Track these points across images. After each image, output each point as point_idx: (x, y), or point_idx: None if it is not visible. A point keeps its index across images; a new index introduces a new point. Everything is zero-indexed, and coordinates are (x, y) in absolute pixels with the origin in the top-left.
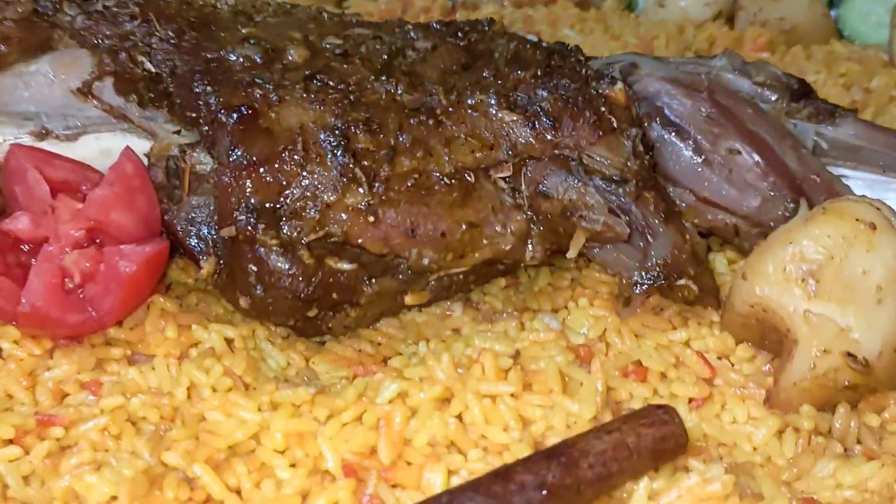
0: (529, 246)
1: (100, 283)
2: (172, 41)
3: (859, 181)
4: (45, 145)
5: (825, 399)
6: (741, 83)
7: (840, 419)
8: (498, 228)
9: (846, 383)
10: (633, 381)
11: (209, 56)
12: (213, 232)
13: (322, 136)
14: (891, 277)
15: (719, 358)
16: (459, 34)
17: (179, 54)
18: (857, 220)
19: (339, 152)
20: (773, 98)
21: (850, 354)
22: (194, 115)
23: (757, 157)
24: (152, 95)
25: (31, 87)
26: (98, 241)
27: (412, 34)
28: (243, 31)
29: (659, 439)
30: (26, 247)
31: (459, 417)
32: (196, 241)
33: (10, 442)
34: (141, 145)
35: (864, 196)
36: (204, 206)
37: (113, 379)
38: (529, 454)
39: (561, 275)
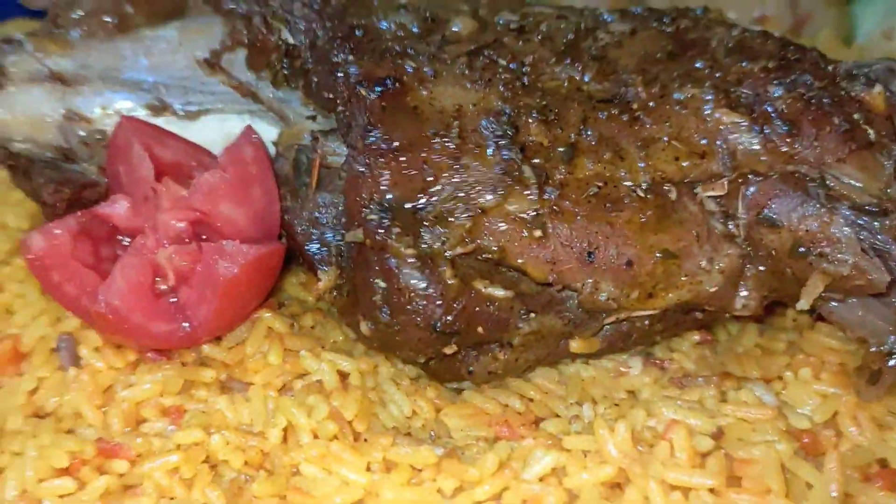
0: (742, 291)
1: (195, 286)
2: (316, 7)
3: None
4: (160, 121)
5: None
6: None
7: None
8: (702, 263)
9: None
10: (879, 489)
11: (355, 23)
12: (338, 238)
13: (484, 123)
14: None
15: None
16: (665, 19)
17: (322, 22)
18: None
19: (505, 144)
20: None
21: None
22: (332, 95)
23: None
24: (287, 72)
25: (152, 55)
26: (202, 237)
27: (605, 16)
28: None
29: None
30: (127, 240)
31: None
32: (317, 246)
33: (66, 471)
34: (268, 131)
35: None
36: (331, 205)
37: (198, 407)
38: None
39: (774, 335)
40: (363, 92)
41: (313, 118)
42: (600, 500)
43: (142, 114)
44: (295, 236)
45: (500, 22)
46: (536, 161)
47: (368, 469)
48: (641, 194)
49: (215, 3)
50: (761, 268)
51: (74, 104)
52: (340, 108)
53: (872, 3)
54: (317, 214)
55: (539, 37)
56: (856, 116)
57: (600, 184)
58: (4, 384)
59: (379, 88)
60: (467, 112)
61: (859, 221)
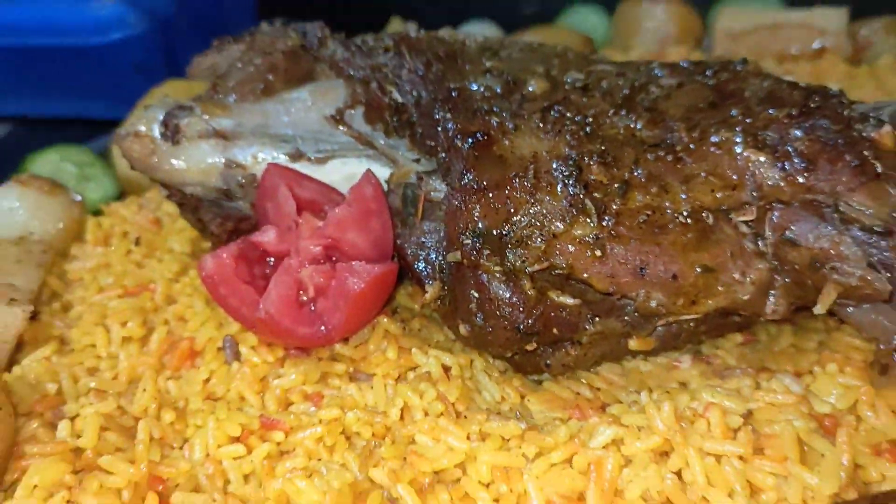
0: (771, 298)
1: (330, 298)
2: (420, 73)
3: None
4: (298, 166)
5: None
6: None
7: None
8: (736, 276)
9: None
10: (888, 462)
11: (451, 86)
12: (440, 258)
13: (554, 166)
14: None
15: None
16: (708, 72)
17: (425, 85)
18: None
19: (571, 182)
20: None
21: None
22: (433, 143)
23: None
24: (397, 124)
25: (290, 113)
26: (333, 258)
27: (657, 71)
28: (487, 63)
29: None
30: (272, 260)
31: (678, 474)
32: (424, 265)
33: (237, 440)
34: (381, 172)
35: None
36: (434, 231)
37: (333, 393)
38: None
39: (807, 336)
40: (459, 143)
41: (417, 161)
42: (649, 463)
43: (283, 160)
44: (406, 257)
45: (568, 80)
46: (597, 195)
47: (468, 438)
48: (683, 220)
49: (338, 70)
50: (787, 279)
51: (233, 155)
52: (441, 154)
53: None
54: (423, 240)
55: (600, 93)
56: (866, 154)
57: (649, 212)
58: (184, 375)
59: (471, 140)
60: (541, 158)
61: (868, 241)
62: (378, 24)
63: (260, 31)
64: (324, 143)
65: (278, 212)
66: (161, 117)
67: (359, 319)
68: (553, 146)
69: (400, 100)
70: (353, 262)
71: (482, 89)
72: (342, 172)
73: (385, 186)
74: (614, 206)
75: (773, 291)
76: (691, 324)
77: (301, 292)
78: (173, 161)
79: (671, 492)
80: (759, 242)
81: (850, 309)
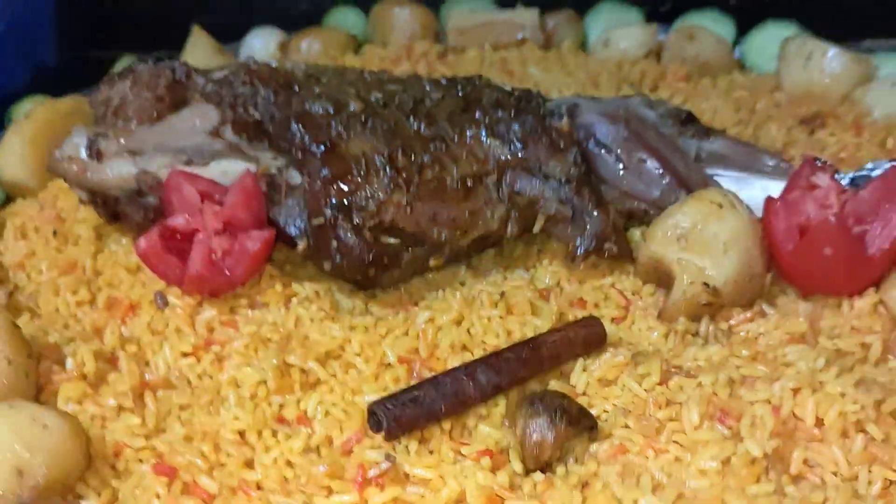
0: (509, 226)
1: (234, 256)
2: (271, 100)
3: (726, 178)
4: (190, 169)
5: (693, 313)
6: (649, 114)
7: (703, 325)
8: (488, 215)
9: (704, 302)
10: (577, 308)
11: (297, 110)
12: (303, 223)
13: (376, 159)
14: (732, 237)
15: (633, 294)
16: (459, 87)
17: (276, 107)
18: (710, 201)
19: (388, 169)
20: (669, 124)
21: (705, 284)
22: (286, 145)
23: (657, 164)
24: (257, 134)
25: (180, 132)
26: (228, 231)
27: (427, 87)
28: (316, 89)
29: (589, 336)
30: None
31: (468, 331)
32: (293, 229)
33: (188, 354)
34: (249, 168)
35: (723, 188)
36: (296, 206)
37: (244, 318)
38: (511, 345)
39: (531, 245)
40: (314, 150)
41: (274, 158)
42: (453, 326)
43: (180, 166)
44: (278, 225)
45: (373, 99)
46: (404, 175)
47: (342, 330)
48: (457, 185)
49: (208, 98)
50: (517, 214)
51: (142, 165)
52: (297, 154)
53: (596, 17)
54: (289, 212)
55: (395, 106)
56: (554, 136)
57: (436, 182)
58: (132, 321)
59: (322, 147)
60: (367, 154)
61: (559, 188)
62: (175, 38)
63: (138, 70)
64: (206, 151)
65: (184, 202)
66: (84, 143)
67: (254, 269)
68: (373, 146)
69: (258, 117)
70: (251, 231)
71: (320, 109)
72: (219, 170)
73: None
74: (415, 181)
75: (510, 222)
76: (464, 247)
77: (213, 255)
78: (100, 175)
79: (465, 340)
80: (499, 193)
81: (553, 228)
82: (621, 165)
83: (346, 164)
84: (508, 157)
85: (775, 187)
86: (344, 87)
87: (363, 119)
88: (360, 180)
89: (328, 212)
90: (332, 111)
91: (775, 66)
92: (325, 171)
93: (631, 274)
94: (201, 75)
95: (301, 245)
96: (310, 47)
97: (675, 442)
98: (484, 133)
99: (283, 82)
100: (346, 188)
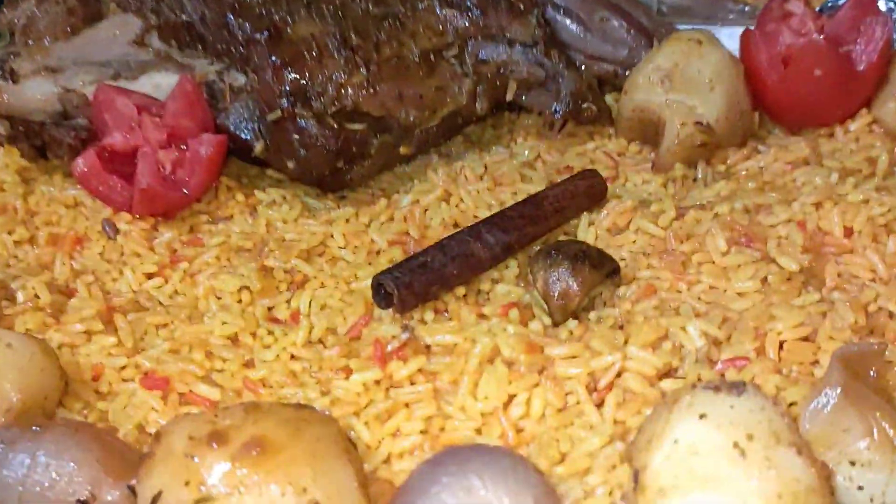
0: (479, 101)
1: (186, 167)
2: None
3: (690, 29)
4: (119, 84)
5: (688, 157)
6: None
7: (700, 169)
8: (455, 90)
9: (699, 143)
10: (566, 175)
11: (231, 2)
12: (258, 123)
13: (328, 41)
14: (715, 72)
15: (619, 154)
16: None
17: (205, 4)
18: (689, 39)
19: (342, 49)
20: None
21: (698, 122)
22: (224, 46)
23: (621, 21)
24: (188, 39)
25: (101, 44)
26: (172, 144)
27: None
28: None
29: (590, 187)
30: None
31: (457, 207)
32: (246, 132)
33: (153, 275)
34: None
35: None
36: (245, 108)
37: (208, 233)
38: (513, 204)
39: (500, 127)
40: (258, 38)
41: (211, 63)
42: (440, 202)
43: (107, 81)
44: (229, 131)
45: None
46: (361, 54)
47: (322, 224)
48: (418, 61)
49: (126, 6)
50: (485, 86)
51: (64, 83)
52: (240, 49)
53: None
54: (238, 117)
55: None
56: (512, 1)
57: (396, 59)
58: (80, 254)
59: (266, 33)
60: (317, 36)
61: (525, 51)
62: None
63: None
64: (134, 63)
65: (119, 119)
66: None
67: (210, 180)
68: (322, 28)
69: (186, 19)
70: (203, 135)
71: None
72: (152, 83)
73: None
74: (374, 59)
75: (479, 96)
76: (434, 129)
77: (161, 168)
78: (19, 97)
79: (457, 216)
80: (464, 66)
81: (524, 97)
82: (583, 28)
83: (295, 48)
84: (468, 25)
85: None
86: None
87: (306, 3)
88: (313, 64)
89: (283, 102)
90: None
91: None
92: (273, 59)
93: (612, 136)
94: None
95: (258, 147)
96: None
97: (705, 272)
98: (437, 4)
99: None
100: (299, 74)
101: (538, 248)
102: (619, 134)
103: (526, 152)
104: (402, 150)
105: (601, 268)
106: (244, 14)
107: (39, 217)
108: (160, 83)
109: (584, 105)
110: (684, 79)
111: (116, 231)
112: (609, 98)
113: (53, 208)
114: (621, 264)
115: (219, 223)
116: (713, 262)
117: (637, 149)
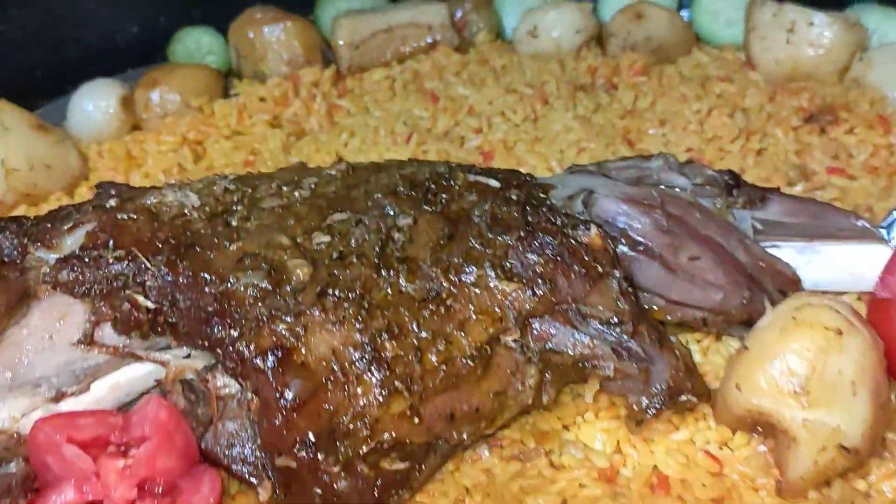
0: (546, 393)
1: None
2: (168, 278)
3: (790, 248)
4: (63, 406)
5: (825, 481)
6: (680, 181)
7: (836, 491)
8: (519, 387)
9: (841, 469)
10: (659, 495)
11: (213, 291)
12: (259, 454)
13: (355, 356)
14: (858, 370)
15: (720, 448)
16: (430, 196)
17: (178, 289)
18: (826, 328)
19: (374, 367)
20: (711, 193)
21: (842, 447)
22: (206, 341)
23: (713, 259)
24: (155, 327)
25: (31, 353)
26: (146, 487)
27: (388, 209)
28: (231, 247)
29: None
30: None
31: None
32: (242, 466)
33: None
34: (152, 376)
35: (820, 297)
36: (241, 429)
37: None
38: None
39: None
40: (260, 364)
41: (188, 356)
42: None
43: (46, 407)
44: (220, 461)
45: (319, 247)
46: (399, 370)
47: None
48: (471, 362)
49: (67, 289)
50: (554, 375)
51: None
52: (235, 366)
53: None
54: (232, 441)
55: (356, 257)
56: (586, 259)
57: (444, 367)
58: None
59: (272, 359)
60: (340, 353)
61: (606, 330)
62: None
63: None
64: (80, 371)
65: (66, 467)
66: None
67: None
68: (345, 336)
69: (151, 305)
70: (193, 474)
71: (249, 290)
72: (109, 385)
73: (161, 389)
74: (416, 373)
75: (546, 386)
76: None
77: None
78: None
79: None
80: (526, 350)
81: (608, 386)
82: (667, 269)
83: (312, 377)
84: (531, 304)
85: (854, 255)
86: (272, 236)
87: (318, 292)
88: (340, 395)
89: (303, 453)
90: (267, 286)
91: (734, 32)
92: (285, 398)
93: (709, 418)
94: (44, 248)
95: (263, 492)
96: (163, 100)
97: None
98: (493, 275)
99: (173, 236)
100: (321, 413)
101: None
102: (720, 420)
103: (598, 443)
104: (451, 466)
105: None
106: (234, 319)
107: None
108: (119, 381)
109: (682, 398)
110: (823, 386)
111: None
112: (693, 346)
113: None
114: None
115: None
116: None
117: (744, 440)
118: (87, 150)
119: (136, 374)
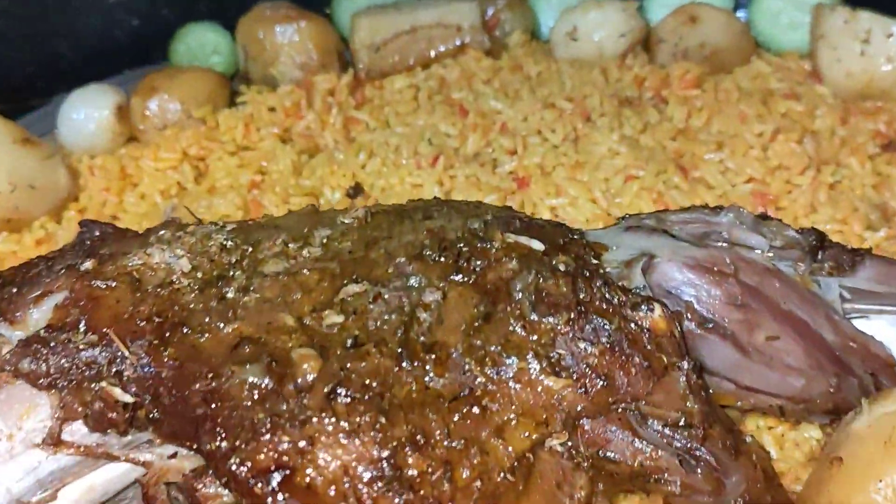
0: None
1: None
2: (150, 370)
3: (884, 320)
4: None
5: None
6: (756, 240)
7: None
8: (566, 502)
9: None
10: None
11: (203, 388)
12: None
13: (372, 475)
14: None
15: None
16: (462, 262)
17: (162, 383)
18: None
19: (396, 490)
20: (794, 258)
21: None
22: (191, 442)
23: (794, 340)
24: (134, 422)
25: None
26: None
27: (412, 280)
28: (226, 328)
29: None
30: None
31: None
32: None
33: None
34: (131, 475)
35: None
36: None
37: None
38: None
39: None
40: (260, 488)
41: (174, 455)
42: None
43: None
44: None
45: (327, 327)
46: (424, 492)
47: None
48: (510, 474)
49: (31, 381)
50: (608, 484)
51: None
52: (228, 482)
53: None
54: None
55: (374, 345)
56: (649, 348)
57: (479, 483)
58: None
59: (273, 480)
60: (353, 472)
61: (673, 435)
62: None
63: None
64: (46, 476)
65: None
66: None
67: None
68: (360, 451)
69: (129, 399)
70: None
71: (245, 389)
72: (79, 491)
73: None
74: (446, 492)
75: (597, 495)
76: None
77: None
78: None
79: None
80: (575, 454)
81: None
82: (740, 351)
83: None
84: (585, 402)
85: None
86: (274, 314)
87: (327, 392)
88: None
89: None
90: (268, 384)
91: (794, 35)
92: None
93: None
94: (6, 322)
95: None
96: (163, 110)
97: None
98: (536, 368)
99: (158, 312)
100: None
101: None
102: None
103: None
104: None
105: None
106: (227, 424)
107: None
108: (94, 483)
109: None
110: None
111: None
112: (767, 438)
113: None
114: None
115: None
116: None
117: None
118: (77, 164)
119: (112, 475)
